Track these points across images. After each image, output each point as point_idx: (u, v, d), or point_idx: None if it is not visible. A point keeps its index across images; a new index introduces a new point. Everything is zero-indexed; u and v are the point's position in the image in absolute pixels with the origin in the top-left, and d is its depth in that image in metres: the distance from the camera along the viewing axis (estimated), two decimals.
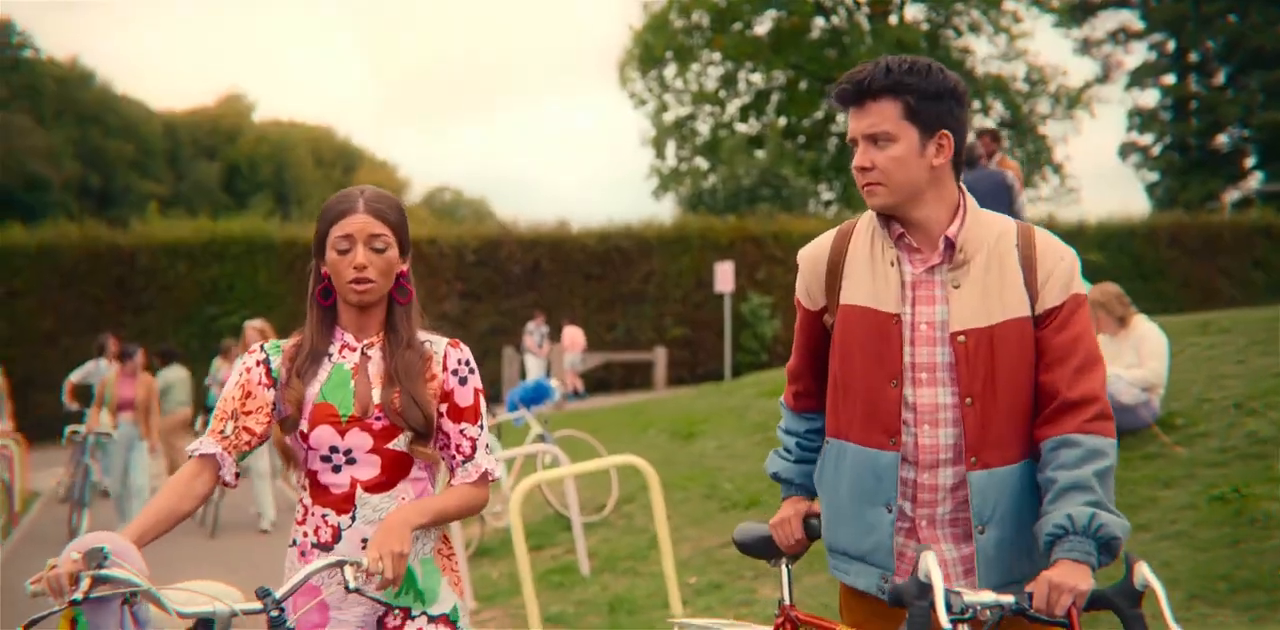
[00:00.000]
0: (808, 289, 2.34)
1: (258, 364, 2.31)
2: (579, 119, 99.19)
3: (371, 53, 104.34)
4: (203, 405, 13.46)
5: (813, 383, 2.40)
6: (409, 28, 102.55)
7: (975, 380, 2.11)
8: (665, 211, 27.05)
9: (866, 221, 2.27)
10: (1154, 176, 36.38)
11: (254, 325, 9.11)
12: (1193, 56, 35.50)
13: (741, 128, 33.20)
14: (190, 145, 49.72)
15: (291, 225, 20.72)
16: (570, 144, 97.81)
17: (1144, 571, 1.85)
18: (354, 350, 2.30)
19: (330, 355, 2.30)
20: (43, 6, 70.47)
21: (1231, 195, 33.71)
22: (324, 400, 2.24)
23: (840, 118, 33.59)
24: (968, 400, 2.11)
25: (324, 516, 2.26)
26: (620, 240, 20.45)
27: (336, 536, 2.25)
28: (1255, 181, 34.93)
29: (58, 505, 9.96)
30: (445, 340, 2.35)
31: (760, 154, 28.53)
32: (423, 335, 2.34)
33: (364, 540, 2.23)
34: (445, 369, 2.31)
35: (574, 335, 18.35)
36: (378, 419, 2.23)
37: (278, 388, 2.28)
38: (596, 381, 19.77)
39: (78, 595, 1.86)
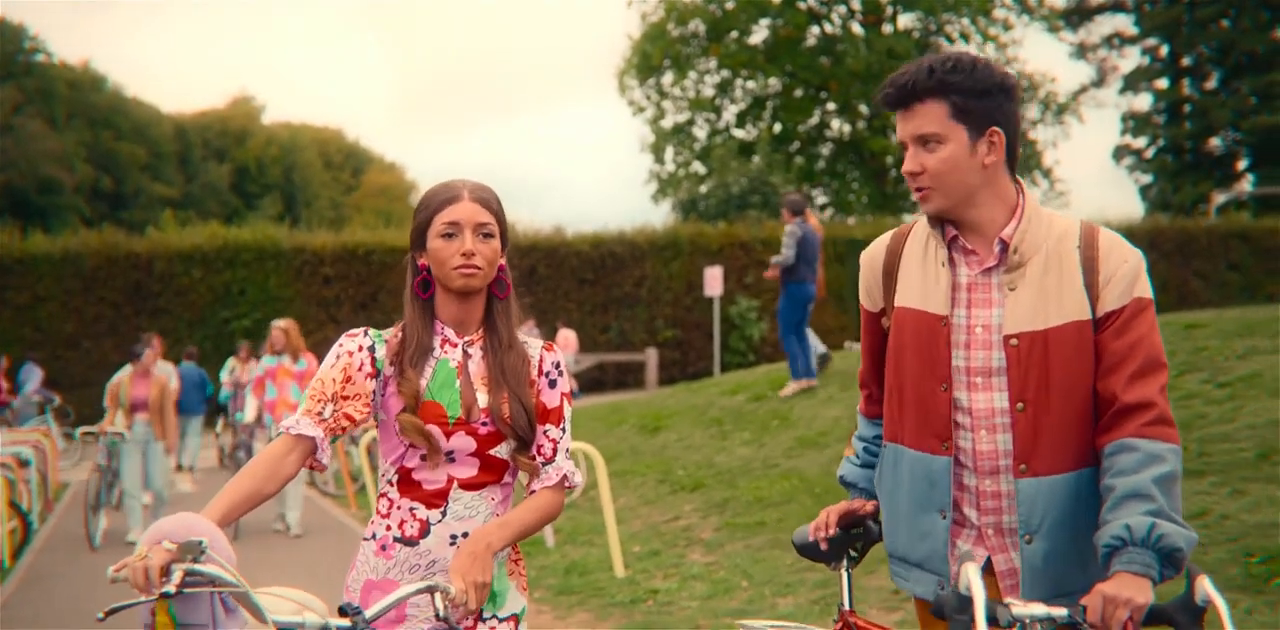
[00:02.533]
0: (868, 290, 2.31)
1: (360, 349, 2.20)
2: (589, 122, 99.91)
3: (381, 56, 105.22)
4: (215, 403, 14.25)
5: (879, 388, 2.35)
6: (418, 31, 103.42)
7: (1028, 385, 2.05)
8: (666, 216, 27.89)
9: (922, 222, 2.24)
10: (1148, 179, 36.90)
11: (279, 325, 9.05)
12: (1186, 61, 35.90)
13: (739, 133, 33.85)
14: (200, 147, 50.17)
15: (300, 233, 21.60)
16: (579, 147, 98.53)
17: (1206, 586, 1.74)
18: (455, 346, 2.24)
19: (433, 349, 2.23)
20: (55, 11, 71.45)
21: (1219, 198, 34.38)
22: (432, 399, 2.17)
23: (835, 123, 34.44)
24: (1019, 405, 2.05)
25: (412, 510, 2.19)
26: (614, 246, 21.29)
27: (425, 531, 2.18)
28: (1248, 184, 35.44)
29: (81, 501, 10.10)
30: (540, 343, 2.31)
31: (755, 160, 29.30)
32: (519, 335, 2.29)
33: (452, 537, 2.17)
34: (540, 373, 2.27)
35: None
36: (483, 424, 2.18)
37: (379, 378, 2.19)
38: (591, 381, 20.62)
39: (169, 588, 1.74)
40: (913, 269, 2.20)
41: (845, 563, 2.40)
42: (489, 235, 2.19)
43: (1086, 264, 2.07)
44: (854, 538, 2.35)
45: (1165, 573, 1.86)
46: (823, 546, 2.34)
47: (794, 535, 2.46)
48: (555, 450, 2.25)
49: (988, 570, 2.10)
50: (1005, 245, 2.10)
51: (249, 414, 9.14)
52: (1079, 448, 2.06)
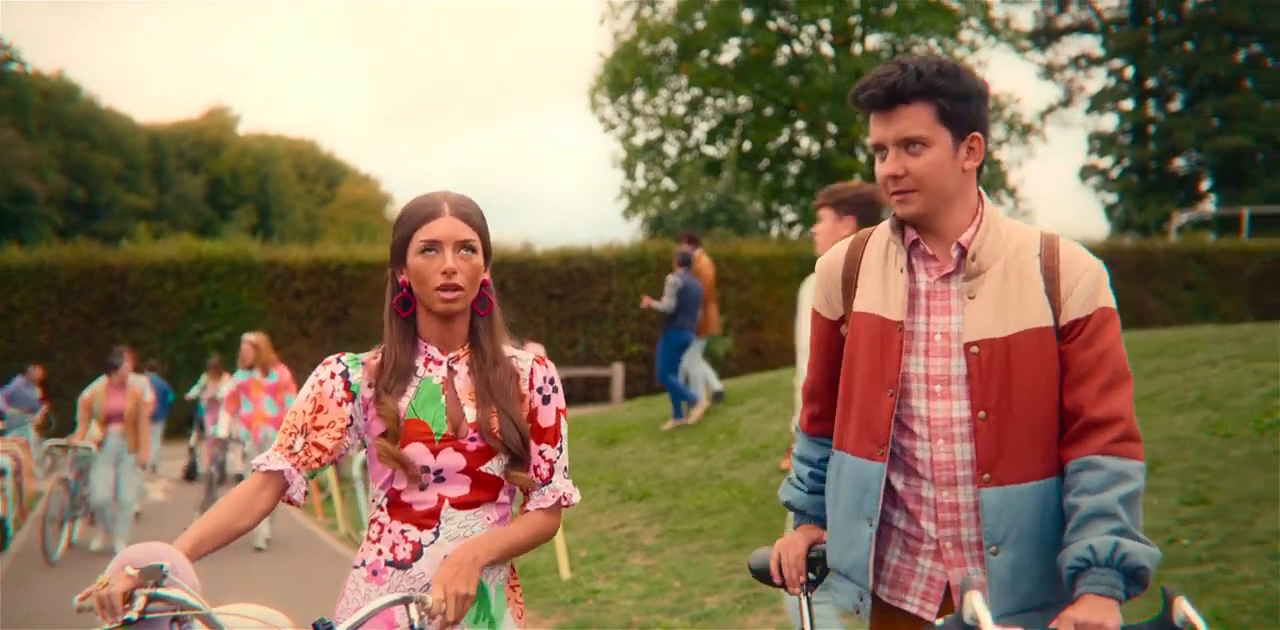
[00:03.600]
0: (827, 297, 2.26)
1: (332, 376, 2.16)
2: (564, 137, 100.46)
3: (356, 69, 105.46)
4: (190, 418, 14.47)
5: (830, 404, 2.28)
6: (394, 44, 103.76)
7: (990, 393, 2.01)
8: (636, 232, 28.33)
9: (883, 228, 2.21)
10: (1113, 198, 37.56)
11: (249, 340, 9.08)
12: (1151, 82, 36.52)
13: (709, 151, 34.30)
14: (175, 158, 50.12)
15: (272, 247, 21.90)
16: (554, 161, 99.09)
17: (1184, 607, 1.71)
18: (439, 364, 2.18)
19: (415, 369, 2.16)
20: (29, 20, 71.30)
21: (1180, 218, 35.12)
22: (415, 416, 2.11)
23: (804, 142, 34.99)
24: (981, 414, 2.01)
25: (404, 533, 2.13)
26: (581, 262, 21.71)
27: (417, 553, 2.12)
28: (1210, 204, 36.14)
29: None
30: (531, 356, 2.25)
31: (725, 176, 29.80)
32: (508, 350, 2.23)
33: (445, 557, 2.10)
34: (531, 387, 2.20)
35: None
36: (472, 439, 2.11)
37: (357, 403, 2.14)
38: None
39: (132, 615, 1.75)
40: (872, 274, 2.17)
41: (804, 587, 2.31)
42: (471, 250, 2.13)
43: (1047, 273, 2.04)
44: (813, 562, 2.29)
45: (1130, 591, 1.84)
46: (793, 591, 2.30)
47: (752, 559, 2.41)
48: (552, 470, 2.20)
49: (948, 586, 2.06)
50: (963, 251, 2.08)
51: (222, 429, 9.19)
52: (1043, 457, 2.01)
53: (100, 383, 9.02)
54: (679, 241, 11.22)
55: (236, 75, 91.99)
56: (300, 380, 8.48)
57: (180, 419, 16.56)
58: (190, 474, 13.56)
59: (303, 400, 2.16)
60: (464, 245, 2.13)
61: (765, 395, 10.19)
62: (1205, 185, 37.52)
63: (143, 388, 10.81)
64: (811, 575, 2.30)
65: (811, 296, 2.34)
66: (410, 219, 2.15)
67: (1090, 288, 2.03)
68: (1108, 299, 2.05)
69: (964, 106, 2.04)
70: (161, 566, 1.80)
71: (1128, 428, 1.97)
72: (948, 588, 2.06)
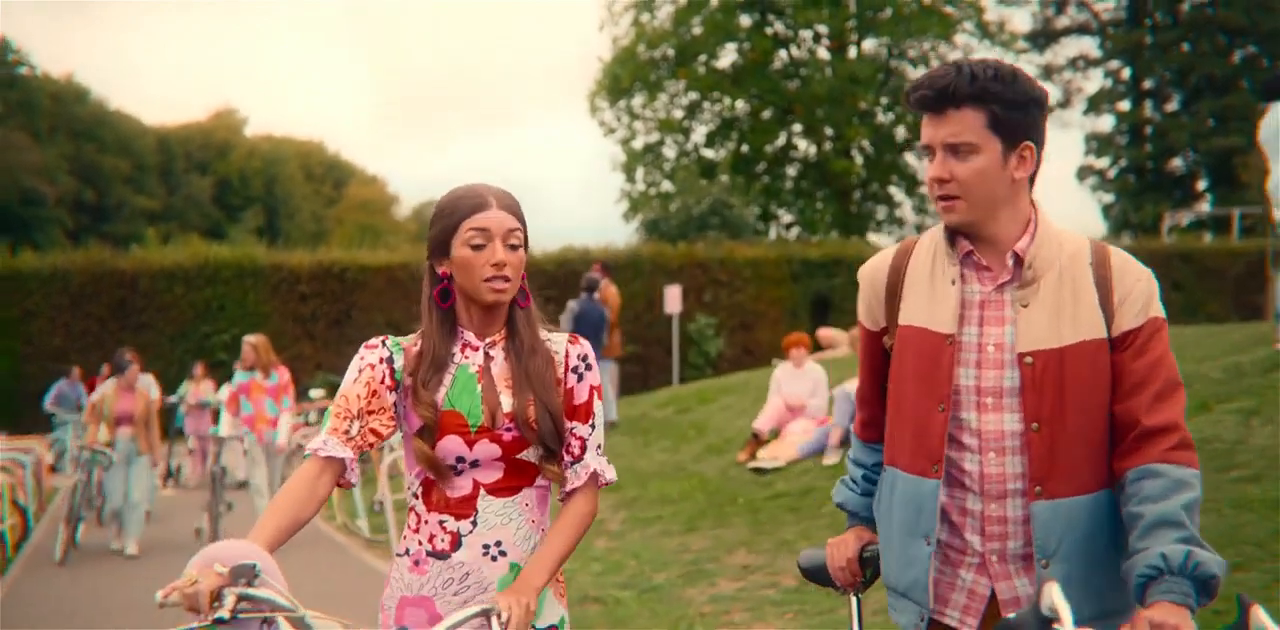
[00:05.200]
0: (869, 308, 2.24)
1: (381, 362, 2.13)
2: (569, 139, 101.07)
3: (362, 70, 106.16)
4: (170, 425, 14.55)
5: (880, 411, 2.25)
6: (400, 46, 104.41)
7: (1043, 405, 1.97)
8: (634, 235, 28.91)
9: (929, 237, 2.17)
10: (1110, 198, 37.97)
11: (249, 341, 9.11)
12: (1148, 83, 36.74)
13: (708, 153, 34.72)
14: (183, 160, 50.39)
15: (277, 251, 22.57)
16: (559, 163, 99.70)
17: (1261, 616, 1.66)
18: (476, 350, 2.16)
19: (453, 356, 2.15)
20: (38, 24, 72.12)
21: (1172, 219, 35.52)
22: (451, 407, 2.10)
23: (801, 145, 35.52)
24: (1034, 426, 1.98)
25: (441, 523, 2.11)
26: (577, 265, 22.30)
27: (456, 543, 2.10)
28: (1206, 204, 36.54)
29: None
30: (565, 337, 2.22)
31: (724, 179, 30.34)
32: (541, 333, 2.20)
33: (484, 547, 2.09)
34: (568, 369, 2.18)
35: None
36: (508, 429, 2.10)
37: (399, 391, 2.13)
38: None
39: (224, 613, 1.70)
40: (919, 286, 2.12)
41: (854, 589, 2.31)
42: (516, 246, 2.12)
43: (1100, 282, 2.02)
44: (865, 562, 2.28)
45: (1201, 601, 1.79)
46: (849, 590, 2.30)
47: (801, 559, 2.39)
48: (584, 447, 2.17)
49: (991, 600, 2.03)
50: (1018, 259, 2.04)
51: (224, 429, 9.24)
52: (1094, 469, 1.99)
53: (109, 385, 9.14)
54: (593, 270, 12.03)
55: (243, 76, 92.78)
56: (300, 382, 9.04)
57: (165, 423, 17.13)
58: (168, 478, 13.45)
59: (354, 384, 2.11)
60: (511, 237, 2.11)
61: (737, 393, 10.81)
62: (1201, 186, 37.83)
63: (149, 387, 10.91)
64: (865, 576, 2.30)
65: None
66: (455, 210, 2.12)
67: (1142, 298, 2.01)
68: (1158, 309, 2.03)
69: (1017, 114, 1.99)
70: (254, 566, 1.76)
71: (1183, 436, 1.94)
72: (988, 601, 2.03)
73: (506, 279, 2.10)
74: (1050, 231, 2.07)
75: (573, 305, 10.84)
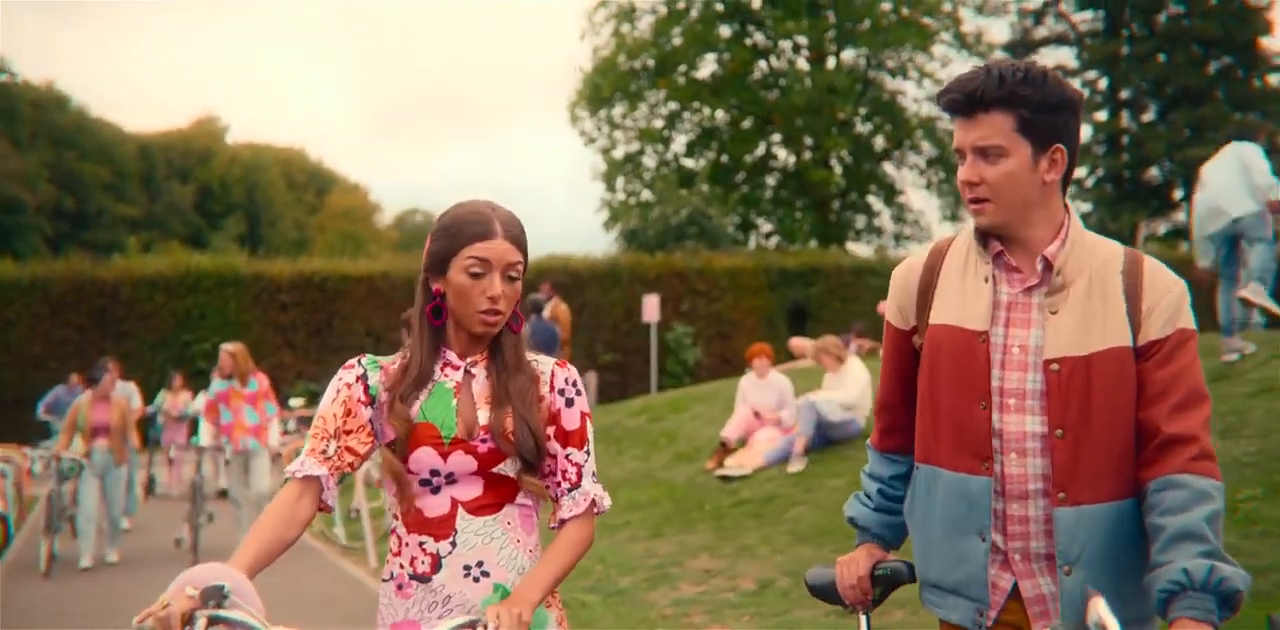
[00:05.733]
0: (900, 307, 2.22)
1: (357, 380, 2.13)
2: (551, 148, 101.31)
3: (346, 78, 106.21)
4: (148, 435, 14.35)
5: (904, 416, 2.23)
6: (382, 53, 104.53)
7: (1068, 411, 1.97)
8: (613, 244, 29.14)
9: (964, 237, 2.17)
10: (1088, 207, 38.36)
11: (227, 349, 9.06)
12: (1125, 94, 37.02)
13: (688, 163, 35.01)
14: (164, 167, 50.14)
15: (258, 260, 22.72)
16: (541, 172, 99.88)
17: None
18: (456, 368, 2.14)
19: (432, 374, 2.13)
20: (19, 31, 71.93)
21: (1149, 227, 35.73)
22: (424, 419, 2.07)
23: (781, 154, 35.81)
24: (1058, 432, 1.97)
25: (421, 544, 2.08)
26: (557, 274, 22.54)
27: (436, 566, 2.07)
28: (1182, 214, 36.95)
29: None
30: (552, 361, 2.19)
31: (705, 189, 30.56)
32: (528, 355, 2.18)
33: (465, 568, 2.06)
34: (553, 389, 2.14)
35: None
36: (483, 441, 2.07)
37: (375, 406, 2.12)
38: None
39: None
40: (951, 285, 2.13)
41: (863, 607, 2.26)
42: (514, 278, 2.09)
43: (1130, 291, 2.01)
44: (877, 580, 2.24)
45: (1223, 615, 1.77)
46: (858, 609, 2.26)
47: (809, 576, 2.34)
48: (580, 474, 2.13)
49: (1013, 597, 2.04)
50: (1048, 264, 2.04)
51: (204, 438, 9.19)
52: (1118, 477, 1.98)
53: (85, 396, 9.01)
54: (540, 289, 12.23)
55: (225, 85, 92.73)
56: (279, 390, 9.14)
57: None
58: (149, 489, 13.33)
59: (331, 404, 2.12)
60: (511, 270, 2.09)
61: (708, 402, 11.02)
62: (1177, 195, 38.16)
63: (129, 396, 11.01)
64: (875, 594, 2.25)
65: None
66: (459, 234, 2.08)
67: (1171, 309, 2.00)
68: (1188, 320, 2.02)
69: (1047, 117, 1.99)
70: (223, 587, 1.77)
71: (1204, 446, 1.93)
72: (1009, 594, 2.03)
73: (499, 312, 2.08)
74: (1082, 237, 2.07)
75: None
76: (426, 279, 2.13)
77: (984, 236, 2.09)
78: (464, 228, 2.07)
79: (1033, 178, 2.00)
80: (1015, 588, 2.03)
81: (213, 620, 1.75)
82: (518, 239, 2.10)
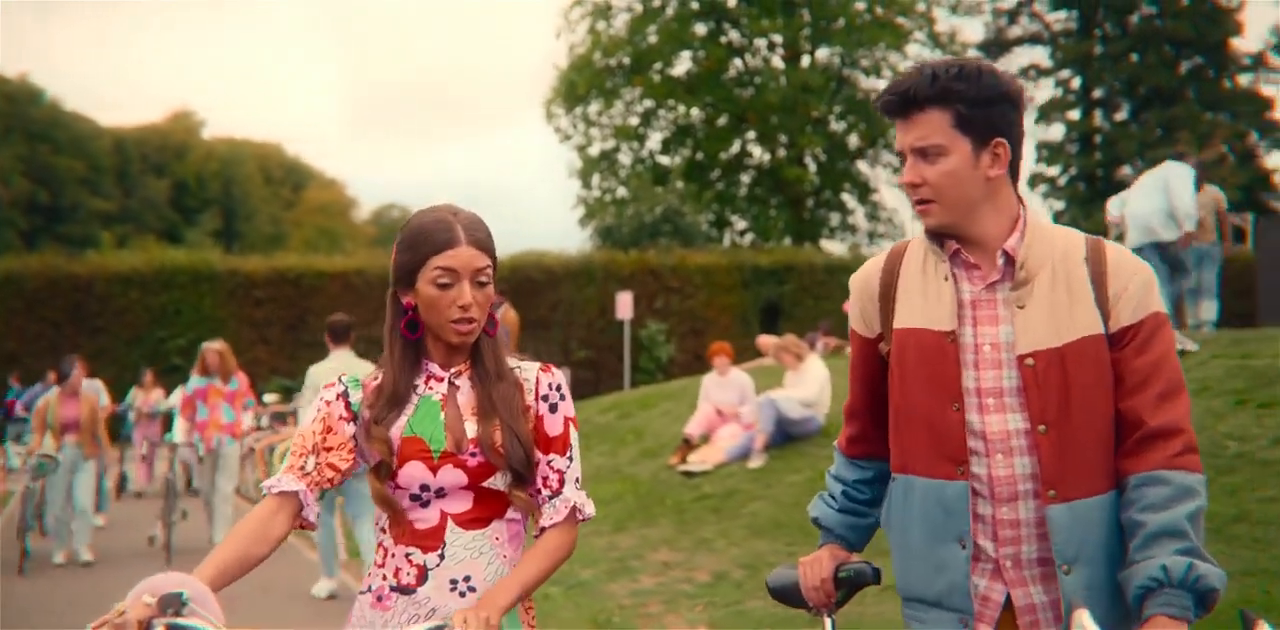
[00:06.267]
0: (862, 314, 2.18)
1: (337, 398, 2.11)
2: (530, 144, 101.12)
3: (324, 73, 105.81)
4: (120, 432, 14.43)
5: (870, 424, 2.21)
6: (360, 48, 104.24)
7: (1048, 406, 1.93)
8: (587, 241, 29.37)
9: (920, 239, 2.12)
10: (1061, 205, 38.66)
11: (214, 348, 9.01)
12: (1098, 93, 37.39)
13: (664, 161, 35.13)
14: (139, 162, 49.88)
15: (233, 257, 22.82)
16: (519, 169, 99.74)
17: None
18: (441, 380, 2.11)
19: (416, 388, 2.10)
20: None
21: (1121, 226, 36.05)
22: (412, 433, 2.04)
23: (756, 152, 36.06)
24: (1041, 428, 1.93)
25: (408, 556, 2.05)
26: (531, 271, 22.72)
27: (422, 577, 2.04)
28: None
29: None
30: (536, 365, 2.15)
31: (680, 186, 30.78)
32: (511, 361, 2.15)
33: (452, 582, 2.03)
34: (537, 397, 2.11)
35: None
36: (473, 455, 2.03)
37: (358, 423, 2.09)
38: None
39: None
40: (913, 287, 2.08)
41: (827, 609, 2.23)
42: (485, 282, 2.05)
43: (1096, 278, 1.97)
44: (840, 582, 2.21)
45: (1198, 613, 1.77)
46: (821, 612, 2.22)
47: (770, 579, 2.31)
48: (562, 481, 2.09)
49: (1006, 608, 1.99)
50: (1009, 258, 2.01)
51: (179, 435, 9.18)
52: (1107, 468, 1.94)
53: (53, 392, 8.99)
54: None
55: (201, 79, 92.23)
56: (255, 387, 9.24)
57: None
58: (120, 488, 13.32)
59: (310, 422, 2.10)
60: (480, 275, 2.05)
61: (676, 399, 11.24)
62: None
63: (98, 393, 10.93)
64: (839, 596, 2.23)
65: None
66: (422, 245, 2.04)
67: (1140, 292, 1.97)
68: (1158, 304, 1.99)
69: (984, 111, 1.96)
70: (181, 594, 1.75)
71: (1188, 439, 1.90)
72: (1003, 606, 1.98)
73: (473, 319, 2.04)
74: (1041, 228, 2.04)
75: None
76: (395, 293, 2.10)
77: (938, 236, 2.06)
78: (427, 238, 2.03)
79: (975, 174, 1.98)
80: (1009, 599, 1.98)
81: (171, 628, 1.72)
82: (483, 243, 2.06)
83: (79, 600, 7.36)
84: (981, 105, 1.95)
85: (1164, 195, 8.03)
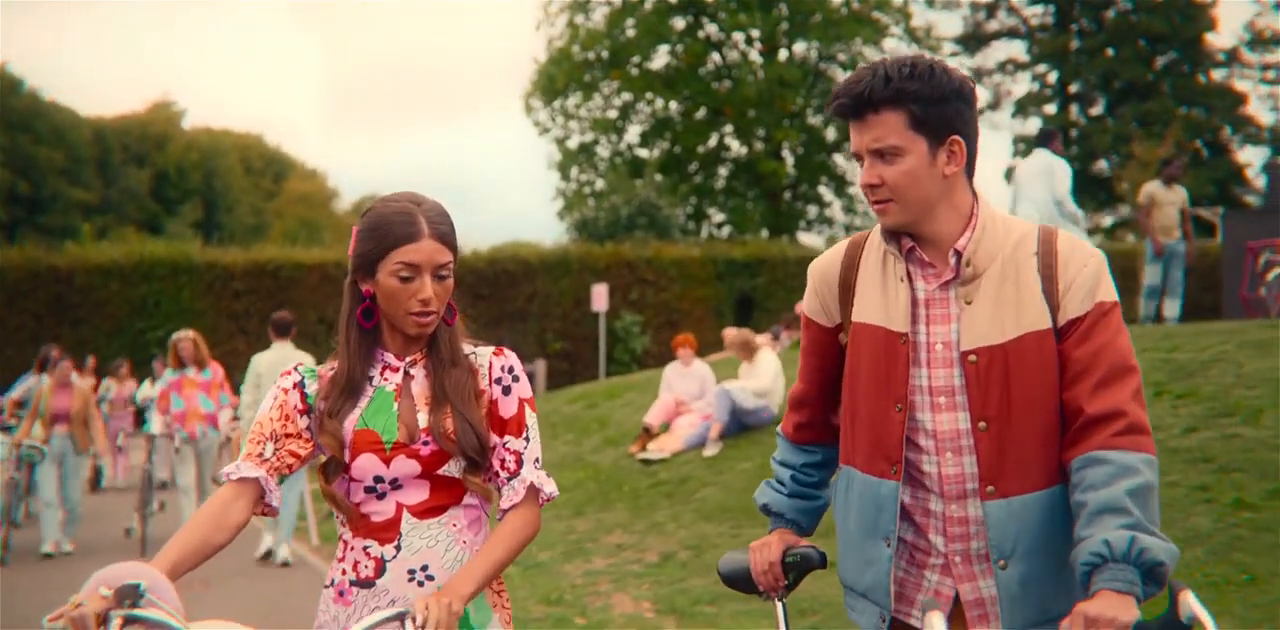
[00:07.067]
0: (822, 304, 2.17)
1: (294, 387, 2.10)
2: (510, 136, 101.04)
3: (303, 63, 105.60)
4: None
5: (819, 412, 2.24)
6: (342, 39, 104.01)
7: (989, 403, 1.95)
8: (565, 234, 29.67)
9: (878, 234, 2.12)
10: None
11: (189, 336, 8.97)
12: (1074, 87, 37.86)
13: (642, 153, 35.45)
14: (120, 152, 49.67)
15: (212, 249, 23.04)
16: (499, 160, 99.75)
17: (1190, 601, 1.64)
18: (395, 371, 2.10)
19: (371, 379, 2.09)
20: None
21: (1096, 220, 36.57)
22: (365, 426, 2.04)
23: (733, 145, 36.40)
24: (981, 424, 1.95)
25: (365, 549, 2.05)
26: (507, 263, 23.01)
27: (380, 569, 2.04)
28: (1128, 206, 37.83)
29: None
30: (489, 350, 2.15)
31: (658, 178, 31.08)
32: (466, 347, 2.14)
33: (410, 572, 2.03)
34: (491, 380, 2.11)
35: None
36: (425, 444, 2.03)
37: (312, 415, 2.08)
38: None
39: None
40: (872, 281, 2.09)
41: (778, 594, 2.24)
42: (446, 275, 2.05)
43: (1045, 271, 1.97)
44: (789, 567, 2.22)
45: (1148, 589, 1.75)
46: (772, 596, 2.24)
47: (721, 564, 2.32)
48: (520, 462, 2.09)
49: (957, 603, 2.01)
50: (960, 256, 2.01)
51: (155, 427, 9.15)
52: (1047, 465, 1.95)
53: (44, 383, 8.92)
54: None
55: (181, 69, 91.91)
56: (233, 378, 9.38)
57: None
58: (95, 483, 13.32)
59: (269, 410, 2.09)
60: (441, 270, 2.04)
61: (638, 390, 11.57)
62: (1125, 187, 38.89)
63: (89, 384, 11.05)
64: (788, 580, 2.24)
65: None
66: (385, 236, 2.03)
67: (1088, 283, 1.95)
68: (1107, 292, 1.97)
69: (938, 110, 1.95)
70: (138, 586, 1.72)
71: (1131, 420, 1.88)
72: (955, 602, 2.02)
73: (432, 312, 2.04)
74: (994, 223, 2.03)
75: None
76: (355, 280, 2.09)
77: (894, 235, 2.06)
78: (390, 229, 2.02)
79: (933, 173, 1.97)
80: (956, 595, 2.01)
81: (128, 620, 1.71)
82: (446, 236, 2.05)
83: (59, 591, 7.29)
84: (936, 104, 1.95)
85: (1049, 183, 8.44)
